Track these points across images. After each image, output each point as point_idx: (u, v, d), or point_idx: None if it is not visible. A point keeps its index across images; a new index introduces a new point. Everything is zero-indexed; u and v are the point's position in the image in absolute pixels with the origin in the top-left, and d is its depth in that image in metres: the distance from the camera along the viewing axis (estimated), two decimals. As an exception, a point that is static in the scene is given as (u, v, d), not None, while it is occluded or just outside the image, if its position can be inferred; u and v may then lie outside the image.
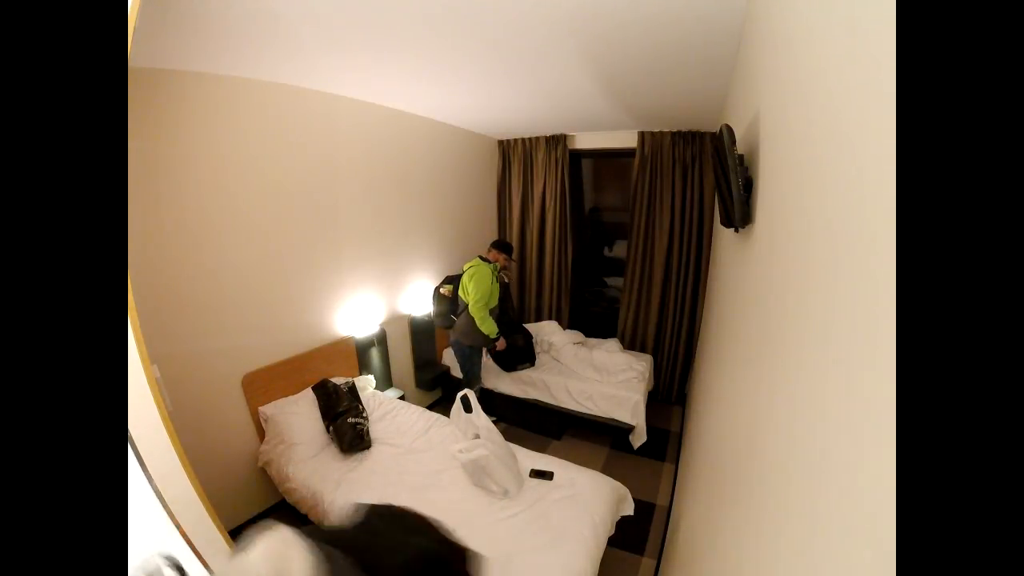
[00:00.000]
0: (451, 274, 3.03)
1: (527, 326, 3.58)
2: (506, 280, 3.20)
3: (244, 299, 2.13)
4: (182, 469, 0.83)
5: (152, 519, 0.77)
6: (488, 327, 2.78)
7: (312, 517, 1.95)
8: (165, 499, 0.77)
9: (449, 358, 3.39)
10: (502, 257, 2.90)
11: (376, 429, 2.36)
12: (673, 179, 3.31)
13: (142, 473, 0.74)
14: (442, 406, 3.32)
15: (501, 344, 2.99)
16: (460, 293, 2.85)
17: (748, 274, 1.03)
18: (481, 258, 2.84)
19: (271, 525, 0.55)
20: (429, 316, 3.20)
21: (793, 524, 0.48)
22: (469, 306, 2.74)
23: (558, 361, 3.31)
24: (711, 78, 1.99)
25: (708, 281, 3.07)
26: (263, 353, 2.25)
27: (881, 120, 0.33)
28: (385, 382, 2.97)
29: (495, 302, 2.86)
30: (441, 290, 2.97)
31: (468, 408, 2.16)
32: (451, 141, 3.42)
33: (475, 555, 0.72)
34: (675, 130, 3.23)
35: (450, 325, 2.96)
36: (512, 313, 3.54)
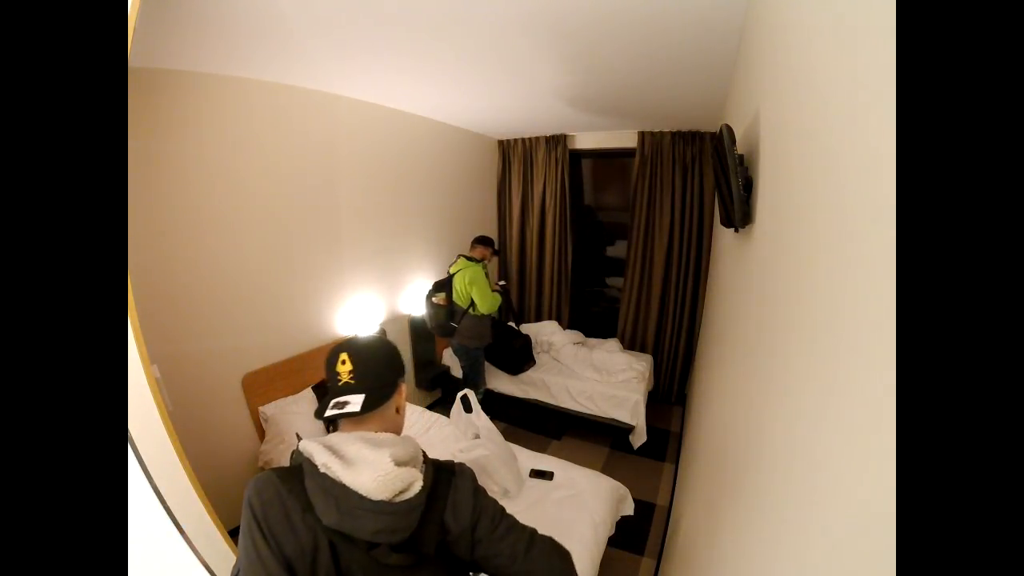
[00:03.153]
0: (440, 279, 2.90)
1: (527, 326, 3.58)
2: (505, 284, 3.12)
3: (244, 299, 2.13)
4: (182, 469, 0.83)
5: (152, 519, 0.77)
6: (497, 301, 2.80)
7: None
8: (165, 499, 0.77)
9: (449, 358, 3.38)
10: (488, 252, 2.87)
11: (376, 429, 2.35)
12: (673, 179, 3.31)
13: (142, 473, 0.74)
14: (442, 406, 3.32)
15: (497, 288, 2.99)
16: (455, 299, 2.77)
17: (748, 274, 1.03)
18: (466, 258, 2.79)
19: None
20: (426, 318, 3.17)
21: (793, 524, 0.47)
22: (480, 308, 2.73)
23: (558, 361, 3.30)
24: (711, 78, 1.99)
25: (708, 281, 3.07)
26: (263, 353, 2.25)
27: (881, 119, 0.33)
28: (385, 382, 2.97)
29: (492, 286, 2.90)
30: (434, 299, 2.84)
31: (468, 408, 2.16)
32: (451, 141, 3.41)
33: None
34: (675, 130, 3.23)
35: (449, 333, 2.88)
36: (514, 316, 3.52)
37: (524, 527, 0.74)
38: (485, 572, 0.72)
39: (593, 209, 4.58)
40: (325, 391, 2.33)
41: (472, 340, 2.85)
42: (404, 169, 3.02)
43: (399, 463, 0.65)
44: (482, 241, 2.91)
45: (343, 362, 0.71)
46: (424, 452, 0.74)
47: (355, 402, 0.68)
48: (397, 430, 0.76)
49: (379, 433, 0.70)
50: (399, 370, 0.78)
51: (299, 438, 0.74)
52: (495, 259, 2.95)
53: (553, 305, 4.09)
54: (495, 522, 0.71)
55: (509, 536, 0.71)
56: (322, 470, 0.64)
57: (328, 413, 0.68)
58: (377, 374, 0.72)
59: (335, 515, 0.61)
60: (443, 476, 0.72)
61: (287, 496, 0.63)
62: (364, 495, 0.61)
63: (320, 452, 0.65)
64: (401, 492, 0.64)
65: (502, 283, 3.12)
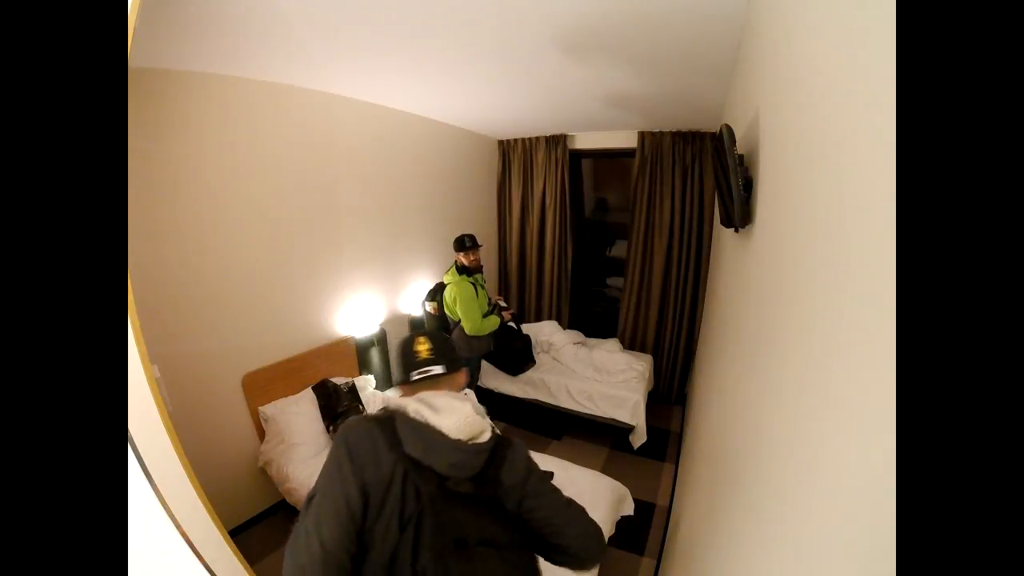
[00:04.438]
0: (438, 281, 2.80)
1: (527, 326, 3.58)
2: (510, 309, 2.95)
3: (244, 299, 2.13)
4: (182, 469, 0.83)
5: (152, 519, 0.77)
6: (490, 325, 2.66)
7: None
8: (165, 499, 0.77)
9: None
10: (466, 256, 2.58)
11: (376, 429, 2.35)
12: (673, 179, 3.31)
13: (142, 473, 0.74)
14: (442, 406, 3.31)
15: (507, 316, 2.86)
16: (446, 311, 2.67)
17: (748, 274, 1.03)
18: (457, 268, 2.60)
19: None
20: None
21: (793, 523, 0.47)
22: (464, 327, 2.59)
23: (558, 361, 3.30)
24: (711, 78, 1.99)
25: (708, 281, 3.07)
26: (263, 353, 2.25)
27: (881, 120, 0.33)
28: (385, 382, 2.97)
29: (486, 305, 2.71)
30: (428, 307, 2.79)
31: (468, 408, 2.15)
32: (451, 141, 3.42)
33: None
34: (675, 130, 3.23)
35: None
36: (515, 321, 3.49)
37: (563, 494, 0.87)
38: (528, 523, 0.83)
39: (609, 205, 4.57)
40: (326, 391, 2.38)
41: (463, 350, 2.73)
42: (404, 169, 3.02)
43: (476, 410, 0.82)
44: (454, 247, 2.60)
45: (421, 343, 0.90)
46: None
47: (437, 369, 0.87)
48: None
49: (459, 392, 0.89)
50: (460, 356, 0.97)
51: (385, 403, 0.94)
52: (475, 257, 2.63)
53: (553, 305, 4.09)
54: (542, 481, 0.85)
55: (552, 495, 0.85)
56: (413, 415, 0.79)
57: (416, 376, 0.87)
58: (449, 352, 0.92)
59: (421, 449, 0.76)
60: (504, 441, 0.86)
61: (378, 434, 0.78)
62: (446, 434, 0.77)
63: (413, 403, 0.82)
64: (475, 437, 0.79)
65: (506, 307, 2.90)
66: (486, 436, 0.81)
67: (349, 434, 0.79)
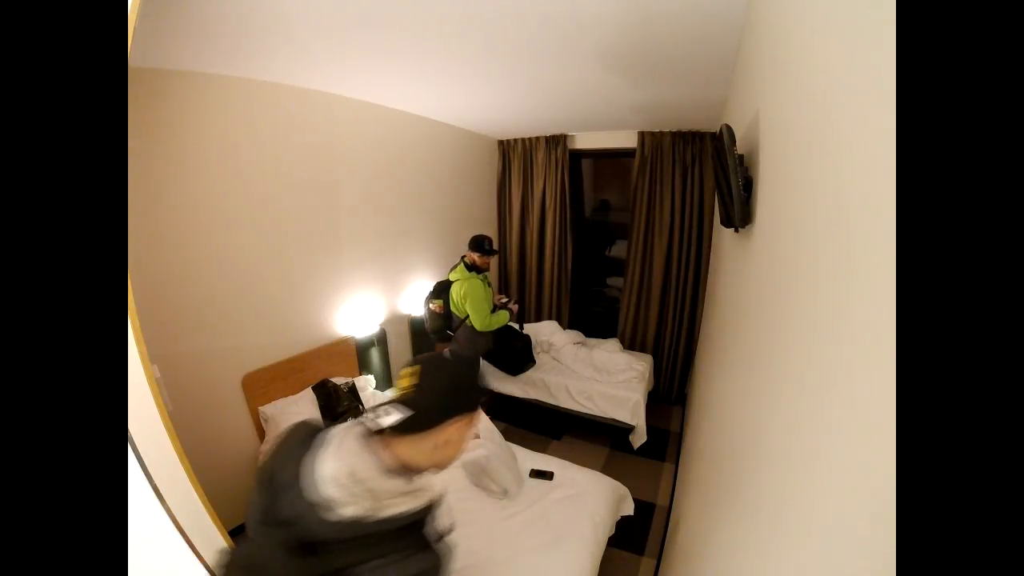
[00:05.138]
0: (441, 280, 2.78)
1: (527, 327, 3.58)
2: (507, 300, 2.94)
3: (244, 299, 2.13)
4: (182, 469, 0.83)
5: (152, 519, 0.77)
6: (499, 321, 2.67)
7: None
8: (165, 499, 0.77)
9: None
10: (480, 257, 2.60)
11: (376, 429, 2.34)
12: (673, 179, 3.31)
13: (142, 473, 0.74)
14: (442, 406, 3.30)
15: (514, 307, 2.85)
16: (453, 309, 2.67)
17: (748, 274, 1.03)
18: (466, 266, 2.61)
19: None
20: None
21: (792, 524, 0.47)
22: (474, 325, 2.59)
23: (558, 361, 3.30)
24: (711, 78, 1.99)
25: (708, 281, 3.07)
26: (263, 353, 2.25)
27: (881, 120, 0.33)
28: (385, 382, 2.97)
29: (491, 302, 2.72)
30: (431, 306, 2.74)
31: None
32: (451, 141, 3.42)
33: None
34: (675, 130, 3.23)
35: (446, 339, 2.82)
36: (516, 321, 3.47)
37: None
38: None
39: (609, 205, 4.56)
40: (326, 391, 2.30)
41: (466, 349, 2.75)
42: (404, 169, 3.02)
43: (339, 480, 0.64)
44: (471, 245, 2.63)
45: (412, 375, 0.69)
46: (423, 513, 0.70)
47: (389, 420, 0.67)
48: (431, 462, 0.72)
49: (374, 451, 0.69)
50: (465, 404, 0.71)
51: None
52: (490, 260, 2.68)
53: (553, 305, 4.09)
54: None
55: None
56: (328, 434, 0.71)
57: (363, 416, 0.73)
58: (432, 401, 0.69)
59: (297, 479, 0.67)
60: (401, 546, 0.66)
61: (306, 444, 0.71)
62: (307, 479, 0.66)
63: (339, 430, 0.72)
64: (328, 505, 0.63)
65: (504, 300, 2.90)
66: (345, 512, 0.63)
67: (292, 430, 0.76)
